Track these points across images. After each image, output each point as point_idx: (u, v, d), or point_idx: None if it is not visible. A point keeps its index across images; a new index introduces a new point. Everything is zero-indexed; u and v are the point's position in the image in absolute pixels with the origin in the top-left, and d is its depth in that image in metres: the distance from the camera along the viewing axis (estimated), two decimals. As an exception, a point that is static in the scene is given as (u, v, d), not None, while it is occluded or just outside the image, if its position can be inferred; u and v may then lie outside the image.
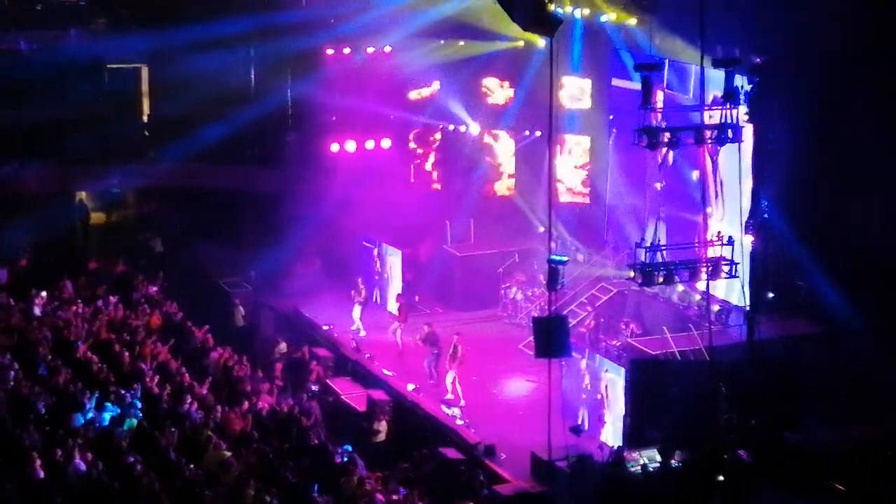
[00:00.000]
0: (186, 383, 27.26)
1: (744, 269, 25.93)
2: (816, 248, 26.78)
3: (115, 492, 21.01)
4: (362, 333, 33.72)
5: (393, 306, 34.50)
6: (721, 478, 22.03)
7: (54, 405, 25.06)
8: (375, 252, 36.78)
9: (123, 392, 26.03)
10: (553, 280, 23.31)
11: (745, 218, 27.26)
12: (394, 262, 35.83)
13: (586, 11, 33.64)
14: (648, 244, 24.31)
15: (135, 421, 24.63)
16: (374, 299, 35.79)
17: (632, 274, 24.37)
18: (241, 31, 37.23)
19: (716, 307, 28.79)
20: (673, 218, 31.55)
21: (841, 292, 26.24)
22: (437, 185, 39.09)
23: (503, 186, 38.42)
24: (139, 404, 25.40)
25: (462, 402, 29.11)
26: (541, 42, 34.34)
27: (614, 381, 26.76)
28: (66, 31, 39.88)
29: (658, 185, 32.74)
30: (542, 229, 35.39)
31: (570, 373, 27.36)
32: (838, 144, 26.18)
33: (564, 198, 35.87)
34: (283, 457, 24.27)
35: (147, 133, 41.41)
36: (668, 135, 23.65)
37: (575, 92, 35.95)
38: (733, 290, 27.77)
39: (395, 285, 35.31)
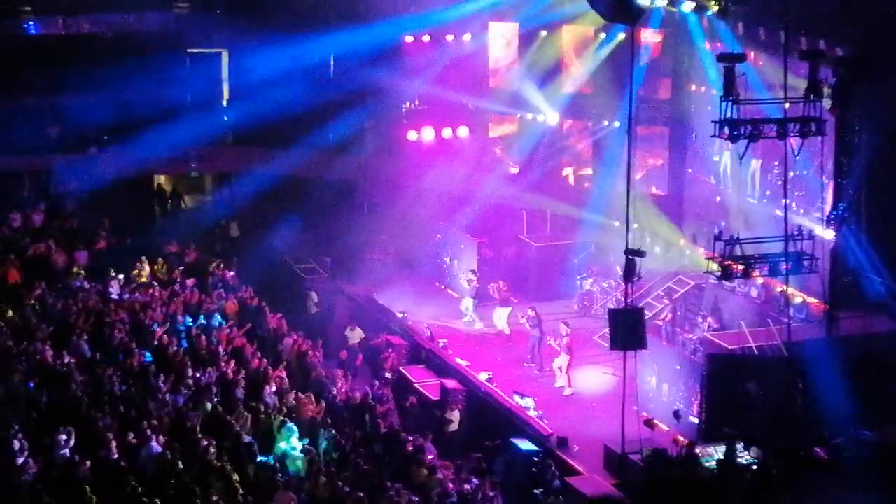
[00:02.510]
0: (262, 368, 27.40)
1: (824, 264, 25.58)
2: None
3: (189, 474, 21.14)
4: (478, 325, 33.67)
5: (467, 300, 34.34)
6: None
7: (130, 388, 25.28)
8: (446, 241, 36.74)
9: (198, 375, 26.23)
10: (629, 272, 23.17)
11: (826, 212, 26.90)
12: (469, 251, 35.70)
13: (665, 1, 33.25)
14: (727, 237, 24.01)
15: (209, 405, 24.80)
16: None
17: (711, 267, 24.10)
18: (322, 16, 37.30)
19: (798, 299, 28.43)
20: (753, 211, 31.24)
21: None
22: (514, 170, 38.80)
23: (581, 176, 38.13)
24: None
25: (569, 390, 29.05)
26: (621, 34, 34.15)
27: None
28: (148, 13, 40.17)
29: (711, 179, 32.58)
30: (617, 223, 35.09)
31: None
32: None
33: (643, 189, 35.51)
34: (355, 443, 24.31)
35: (226, 118, 41.61)
36: (749, 127, 23.35)
37: (654, 82, 35.64)
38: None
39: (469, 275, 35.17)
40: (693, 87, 34.32)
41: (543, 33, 37.41)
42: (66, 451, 21.71)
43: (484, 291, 33.75)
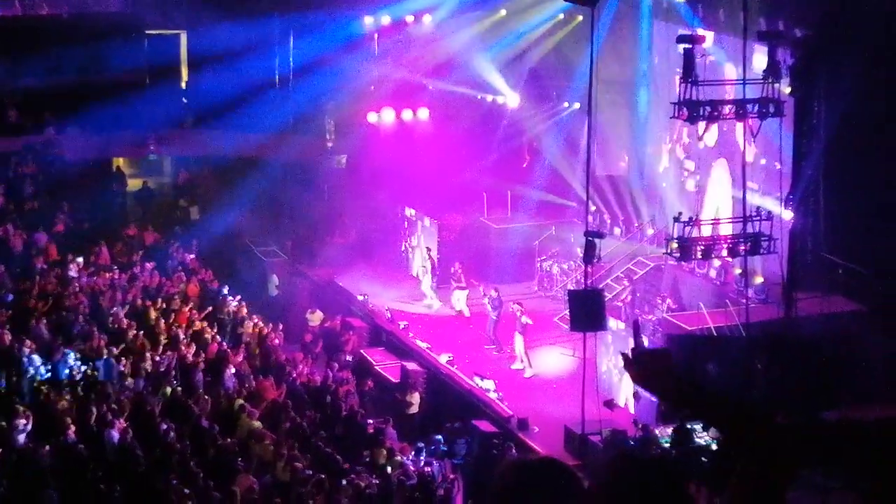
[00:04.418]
0: (221, 352, 27.35)
1: (782, 245, 25.69)
2: (857, 225, 26.49)
3: (148, 458, 21.07)
4: (436, 305, 33.61)
5: (427, 280, 34.30)
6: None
7: (89, 371, 25.21)
8: (407, 223, 36.68)
9: (158, 359, 26.16)
10: (589, 253, 23.20)
11: (784, 193, 27.00)
12: (429, 233, 35.67)
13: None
14: (686, 218, 24.08)
15: (169, 389, 24.74)
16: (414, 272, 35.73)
17: (672, 247, 24.16)
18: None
19: (758, 279, 28.56)
20: (692, 180, 31.44)
21: (881, 269, 25.96)
22: (472, 156, 38.74)
23: (541, 158, 38.11)
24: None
25: (530, 370, 29.02)
26: (579, 16, 34.12)
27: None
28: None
29: (681, 155, 32.61)
30: (574, 204, 35.11)
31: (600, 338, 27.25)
32: (881, 119, 25.86)
33: (601, 171, 35.53)
34: (315, 426, 24.29)
35: (185, 100, 41.42)
36: (708, 108, 23.42)
37: (613, 63, 35.60)
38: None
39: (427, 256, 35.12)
40: (651, 68, 34.32)
41: (503, 12, 37.33)
42: (24, 435, 21.61)
43: (445, 273, 33.73)
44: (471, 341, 31.10)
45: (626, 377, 26.66)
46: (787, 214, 27.03)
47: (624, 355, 5.08)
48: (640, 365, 4.97)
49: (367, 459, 23.02)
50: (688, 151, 32.67)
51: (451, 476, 22.94)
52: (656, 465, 4.95)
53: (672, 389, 4.97)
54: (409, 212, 36.38)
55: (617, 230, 34.26)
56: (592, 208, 33.02)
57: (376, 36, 38.39)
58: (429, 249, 34.27)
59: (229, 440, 22.58)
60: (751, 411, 4.79)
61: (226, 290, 31.78)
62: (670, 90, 26.44)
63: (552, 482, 5.01)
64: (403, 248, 36.38)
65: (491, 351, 30.36)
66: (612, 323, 27.03)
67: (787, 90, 25.82)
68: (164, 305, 29.99)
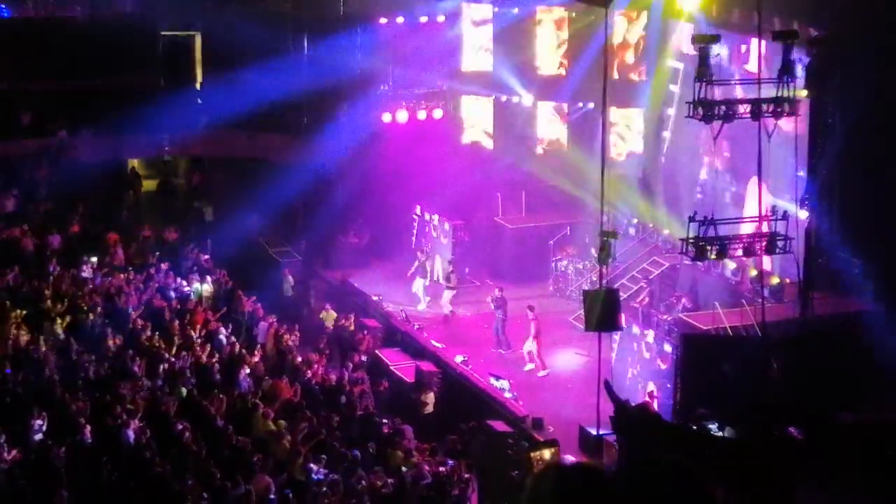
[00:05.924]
0: (236, 352, 27.35)
1: (798, 245, 25.62)
2: (872, 224, 26.42)
3: (163, 458, 21.09)
4: (422, 306, 33.66)
5: (419, 281, 34.35)
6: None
7: (104, 372, 25.23)
8: (419, 222, 36.66)
9: (174, 360, 26.19)
10: (604, 253, 23.13)
11: (800, 193, 26.92)
12: (444, 234, 35.66)
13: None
14: (702, 218, 24.00)
15: (184, 390, 24.75)
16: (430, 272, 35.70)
17: (688, 246, 24.06)
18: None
19: (775, 280, 28.48)
20: (728, 191, 31.27)
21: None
22: (488, 154, 38.74)
23: (555, 158, 38.03)
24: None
25: (544, 371, 29.01)
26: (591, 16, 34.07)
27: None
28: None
29: (718, 166, 32.51)
30: (589, 204, 34.99)
31: (624, 346, 27.20)
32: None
33: (616, 170, 35.38)
34: (330, 426, 24.28)
35: (199, 101, 41.44)
36: (723, 108, 23.34)
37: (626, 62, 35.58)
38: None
39: (445, 256, 35.13)
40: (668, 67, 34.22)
41: (515, 10, 37.29)
42: (40, 434, 21.64)
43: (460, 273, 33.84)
44: (486, 342, 31.10)
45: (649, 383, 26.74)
46: (803, 214, 26.97)
47: (611, 418, 5.12)
48: (622, 422, 5.03)
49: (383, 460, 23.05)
50: (725, 164, 32.41)
51: (466, 475, 22.92)
52: (678, 468, 4.96)
53: (660, 438, 5.02)
54: (431, 217, 36.35)
55: (632, 230, 34.16)
56: (606, 208, 32.97)
57: (391, 37, 38.34)
58: (422, 251, 34.30)
59: (245, 439, 22.58)
60: (735, 443, 4.85)
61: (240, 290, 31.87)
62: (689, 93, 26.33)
63: (588, 486, 5.02)
64: (423, 250, 36.33)
65: (499, 352, 30.32)
66: (636, 329, 27.04)
67: (804, 93, 25.75)
68: (179, 306, 30.02)
